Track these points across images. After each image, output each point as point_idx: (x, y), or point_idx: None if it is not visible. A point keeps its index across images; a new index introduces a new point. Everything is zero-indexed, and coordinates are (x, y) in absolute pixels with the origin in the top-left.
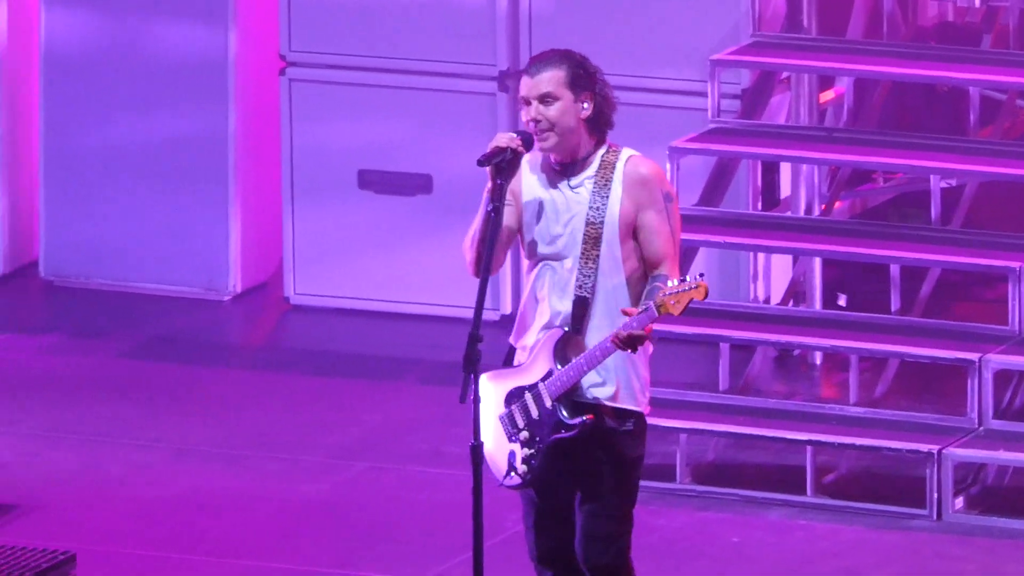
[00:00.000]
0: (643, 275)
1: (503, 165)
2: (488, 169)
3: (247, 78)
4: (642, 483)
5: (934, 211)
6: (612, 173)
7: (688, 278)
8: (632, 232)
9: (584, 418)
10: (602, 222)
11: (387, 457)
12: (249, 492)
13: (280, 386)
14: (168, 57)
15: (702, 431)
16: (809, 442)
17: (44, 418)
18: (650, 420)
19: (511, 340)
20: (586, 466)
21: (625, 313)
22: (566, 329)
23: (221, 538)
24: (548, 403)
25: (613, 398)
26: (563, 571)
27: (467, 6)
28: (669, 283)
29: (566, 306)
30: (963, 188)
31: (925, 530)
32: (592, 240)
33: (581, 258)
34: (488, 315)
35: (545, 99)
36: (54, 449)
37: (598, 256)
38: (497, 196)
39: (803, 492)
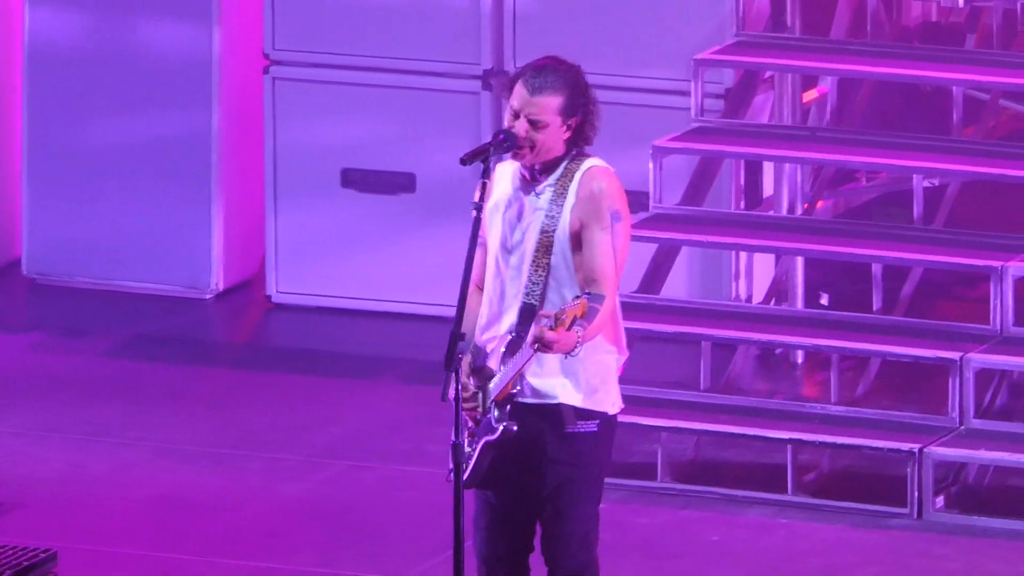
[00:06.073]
0: None
1: (487, 164)
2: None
3: (231, 77)
4: (622, 481)
5: (916, 211)
6: (570, 183)
7: (577, 295)
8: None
9: (505, 424)
10: (554, 231)
11: (369, 456)
12: (231, 491)
13: (262, 385)
14: (152, 56)
15: (683, 429)
16: (790, 441)
17: (27, 417)
18: (632, 418)
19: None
20: (549, 468)
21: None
22: (512, 335)
23: (203, 537)
24: (488, 403)
25: (573, 398)
26: (509, 574)
27: (451, 5)
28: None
29: (513, 311)
30: (946, 188)
31: (906, 529)
32: (544, 248)
33: (532, 265)
34: None
35: (535, 123)
36: (37, 448)
37: (549, 264)
38: (480, 196)
39: (784, 491)
